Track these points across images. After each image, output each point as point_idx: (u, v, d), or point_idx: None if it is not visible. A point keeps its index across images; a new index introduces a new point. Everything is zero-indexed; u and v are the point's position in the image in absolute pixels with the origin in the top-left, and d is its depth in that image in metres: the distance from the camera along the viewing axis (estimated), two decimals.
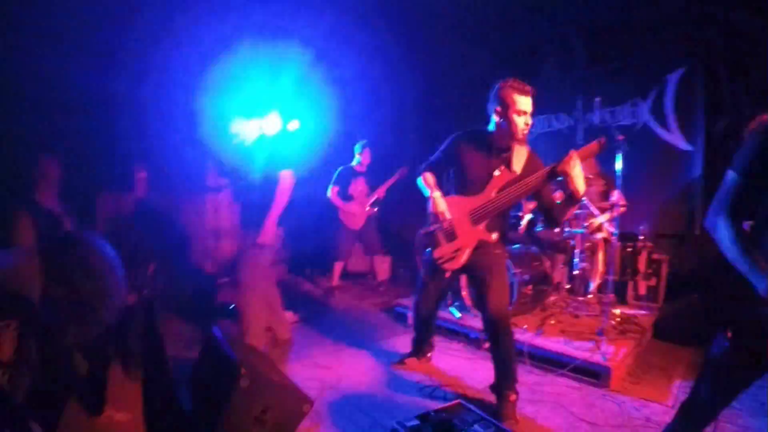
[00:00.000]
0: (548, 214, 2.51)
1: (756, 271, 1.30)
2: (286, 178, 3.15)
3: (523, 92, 2.37)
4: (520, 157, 2.50)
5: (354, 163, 5.34)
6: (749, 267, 1.31)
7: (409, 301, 4.39)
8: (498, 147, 2.52)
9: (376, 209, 5.39)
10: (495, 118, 2.47)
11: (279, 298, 3.55)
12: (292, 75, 5.06)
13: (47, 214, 2.96)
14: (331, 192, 5.20)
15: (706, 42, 4.41)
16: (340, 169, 5.29)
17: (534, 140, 5.74)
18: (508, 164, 2.48)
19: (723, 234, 1.40)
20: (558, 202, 2.48)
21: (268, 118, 5.48)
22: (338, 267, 5.45)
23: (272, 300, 3.45)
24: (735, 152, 1.39)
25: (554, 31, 5.59)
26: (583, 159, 2.25)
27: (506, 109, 2.39)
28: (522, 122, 2.39)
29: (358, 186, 5.29)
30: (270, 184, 3.14)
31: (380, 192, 5.33)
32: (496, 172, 2.49)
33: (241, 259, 3.22)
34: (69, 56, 3.73)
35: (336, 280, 5.46)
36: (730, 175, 1.43)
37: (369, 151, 5.32)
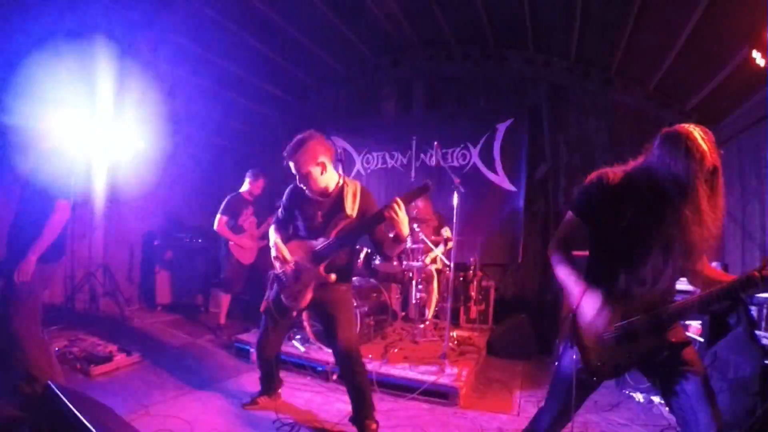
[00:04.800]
0: (379, 250, 2.65)
1: (574, 280, 1.66)
2: (64, 208, 2.67)
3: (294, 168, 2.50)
4: (351, 197, 2.61)
5: (243, 189, 4.75)
6: (571, 279, 1.67)
7: (247, 337, 4.11)
8: (316, 197, 2.62)
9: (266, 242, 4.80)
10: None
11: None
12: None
13: None
14: (218, 222, 4.55)
15: (533, 98, 5.32)
16: (228, 197, 4.65)
17: (369, 176, 6.07)
18: (340, 208, 2.58)
19: (556, 258, 1.74)
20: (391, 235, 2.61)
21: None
22: (226, 301, 4.78)
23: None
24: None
25: (396, 75, 6.06)
26: (407, 203, 2.37)
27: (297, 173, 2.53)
28: (305, 187, 2.56)
29: (248, 216, 4.77)
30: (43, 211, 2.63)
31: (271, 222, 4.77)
32: (326, 215, 2.60)
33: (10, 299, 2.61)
34: None
35: (223, 317, 4.79)
36: (568, 214, 1.76)
37: (263, 181, 4.80)
